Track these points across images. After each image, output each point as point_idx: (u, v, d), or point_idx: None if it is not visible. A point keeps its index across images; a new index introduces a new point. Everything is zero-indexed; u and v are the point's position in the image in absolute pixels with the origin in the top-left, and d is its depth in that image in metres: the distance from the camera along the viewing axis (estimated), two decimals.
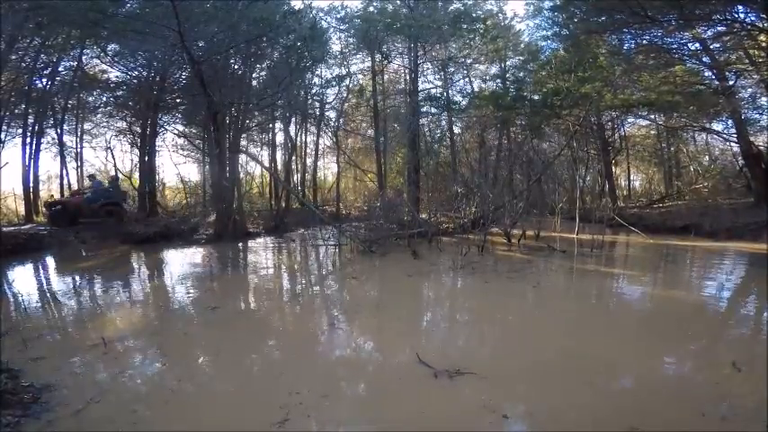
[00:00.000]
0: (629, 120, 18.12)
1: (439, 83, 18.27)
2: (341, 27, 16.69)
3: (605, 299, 6.15)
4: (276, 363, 3.85)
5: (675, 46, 12.41)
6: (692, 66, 13.00)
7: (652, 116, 16.86)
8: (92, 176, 13.27)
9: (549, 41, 15.69)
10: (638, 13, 10.34)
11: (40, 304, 5.79)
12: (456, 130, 19.51)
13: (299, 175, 19.53)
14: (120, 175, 14.35)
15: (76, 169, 16.04)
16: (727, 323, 4.75)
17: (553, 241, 10.16)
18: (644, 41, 12.45)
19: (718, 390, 3.02)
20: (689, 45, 12.30)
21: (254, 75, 15.13)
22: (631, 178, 22.26)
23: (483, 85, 19.09)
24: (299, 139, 18.78)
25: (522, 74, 17.35)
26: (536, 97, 16.10)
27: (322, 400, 2.95)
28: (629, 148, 19.75)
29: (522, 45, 17.84)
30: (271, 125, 18.08)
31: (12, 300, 5.94)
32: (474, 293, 6.31)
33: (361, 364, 3.81)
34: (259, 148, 20.21)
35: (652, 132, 19.62)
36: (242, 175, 16.91)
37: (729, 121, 13.96)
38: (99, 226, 11.55)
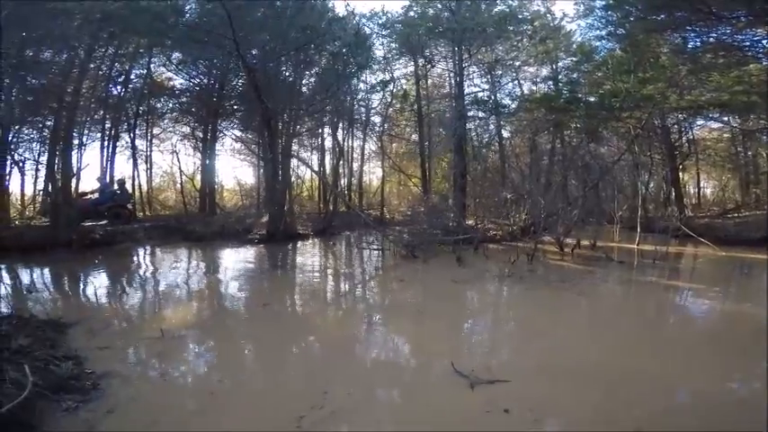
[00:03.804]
0: (698, 122, 16.68)
1: (486, 86, 17.88)
2: (383, 33, 16.79)
3: (662, 313, 5.70)
4: (315, 361, 3.97)
5: (748, 43, 11.26)
6: None
7: (725, 118, 15.40)
8: (100, 178, 13.23)
9: (603, 41, 14.82)
10: (700, 10, 9.54)
11: (107, 296, 6.26)
12: (505, 134, 18.95)
13: (345, 179, 19.90)
14: (125, 178, 14.52)
15: (146, 171, 17.43)
16: None
17: (611, 251, 9.56)
18: (711, 39, 11.42)
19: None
20: (764, 42, 11.12)
21: (303, 81, 15.66)
22: (701, 185, 20.40)
23: (533, 88, 18.42)
24: (346, 143, 19.13)
25: (575, 75, 16.53)
26: (592, 99, 15.29)
27: (347, 398, 3.01)
28: (699, 152, 18.13)
29: (575, 45, 17.00)
30: (320, 130, 18.61)
31: (83, 291, 6.56)
32: (520, 303, 6.09)
33: (395, 367, 3.82)
34: (309, 153, 20.85)
35: (725, 135, 17.87)
36: (293, 179, 17.53)
37: None
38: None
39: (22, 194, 13.86)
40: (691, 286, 7.06)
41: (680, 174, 16.83)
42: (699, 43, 11.91)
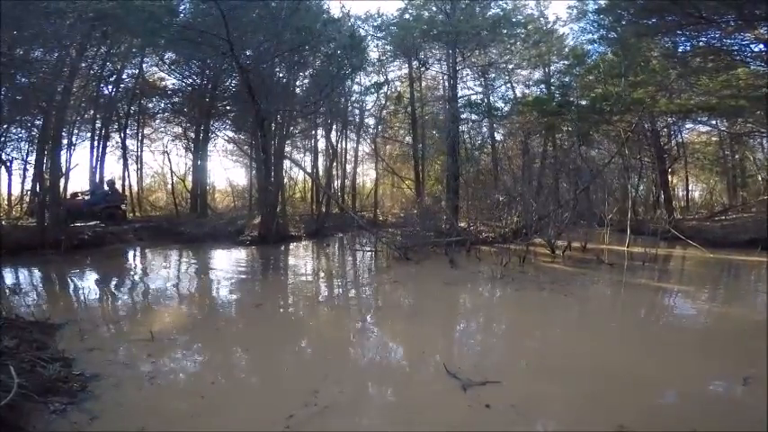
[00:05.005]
0: (687, 126, 16.93)
1: (479, 89, 17.99)
2: (378, 35, 16.81)
3: (651, 314, 5.79)
4: (307, 360, 3.98)
5: (737, 47, 11.46)
6: (758, 68, 11.94)
7: (713, 122, 15.65)
8: (92, 179, 13.18)
9: (595, 45, 15.03)
10: (691, 14, 9.69)
11: (96, 297, 6.18)
12: (498, 136, 19.10)
13: (339, 181, 19.86)
14: (115, 179, 14.62)
15: (137, 171, 17.25)
16: None
17: (601, 253, 9.66)
18: (701, 43, 11.61)
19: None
20: (752, 46, 11.32)
21: (297, 83, 15.62)
22: (690, 188, 20.71)
23: (526, 91, 18.56)
24: (339, 145, 19.11)
25: (567, 78, 16.68)
26: (583, 102, 15.45)
27: (338, 396, 3.03)
28: (688, 155, 18.42)
29: (567, 49, 17.18)
30: (313, 132, 18.57)
31: (71, 292, 6.47)
32: (512, 304, 6.13)
33: (387, 367, 3.83)
34: (302, 155, 20.78)
35: (713, 139, 18.17)
36: (286, 180, 17.48)
37: None
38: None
39: (9, 194, 13.64)
40: (679, 288, 7.17)
41: (669, 177, 17.07)
42: (688, 47, 12.09)
